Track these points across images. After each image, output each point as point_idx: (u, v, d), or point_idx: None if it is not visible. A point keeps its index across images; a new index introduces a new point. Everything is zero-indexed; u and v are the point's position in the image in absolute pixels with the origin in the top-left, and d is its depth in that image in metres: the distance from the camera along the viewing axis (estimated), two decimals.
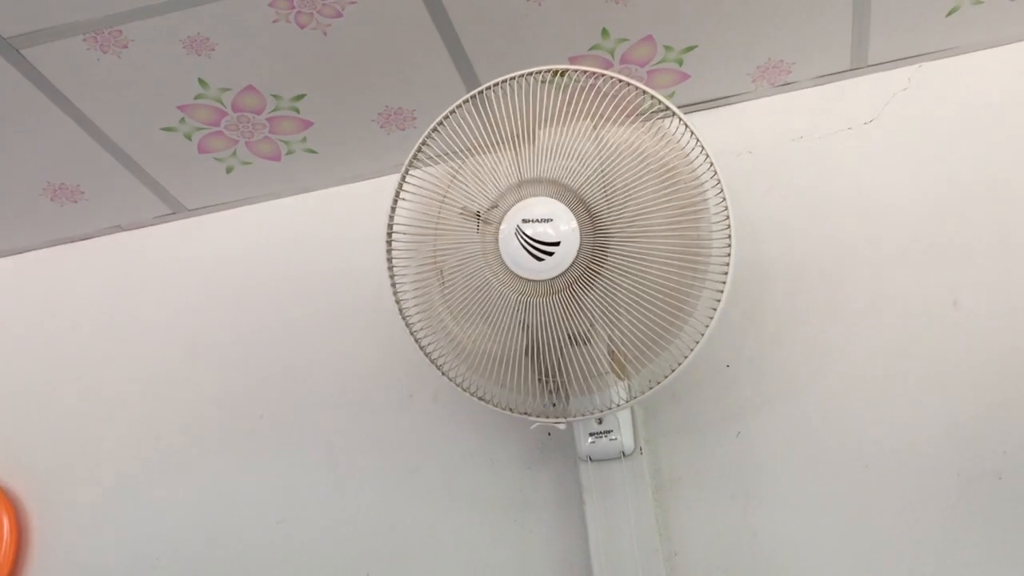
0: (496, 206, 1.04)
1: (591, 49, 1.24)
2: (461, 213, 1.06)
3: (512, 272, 1.02)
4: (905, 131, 1.27)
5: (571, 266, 1.00)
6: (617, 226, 1.01)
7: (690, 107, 1.34)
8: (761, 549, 1.14)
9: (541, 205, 1.01)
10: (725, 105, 1.34)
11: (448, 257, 1.07)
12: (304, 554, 1.27)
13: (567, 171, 1.03)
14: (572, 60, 1.25)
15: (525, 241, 1.01)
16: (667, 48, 1.24)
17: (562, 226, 1.00)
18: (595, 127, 1.06)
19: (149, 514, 1.35)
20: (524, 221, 1.01)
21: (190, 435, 1.37)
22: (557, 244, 1.00)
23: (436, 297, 1.11)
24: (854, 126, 1.29)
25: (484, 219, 1.05)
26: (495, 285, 1.03)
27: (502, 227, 1.02)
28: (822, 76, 1.31)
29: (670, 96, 1.32)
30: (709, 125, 1.31)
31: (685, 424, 1.21)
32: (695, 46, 1.24)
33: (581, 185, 1.02)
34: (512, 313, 1.03)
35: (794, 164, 1.29)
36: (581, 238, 1.00)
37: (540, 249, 1.01)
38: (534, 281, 1.01)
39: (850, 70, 1.30)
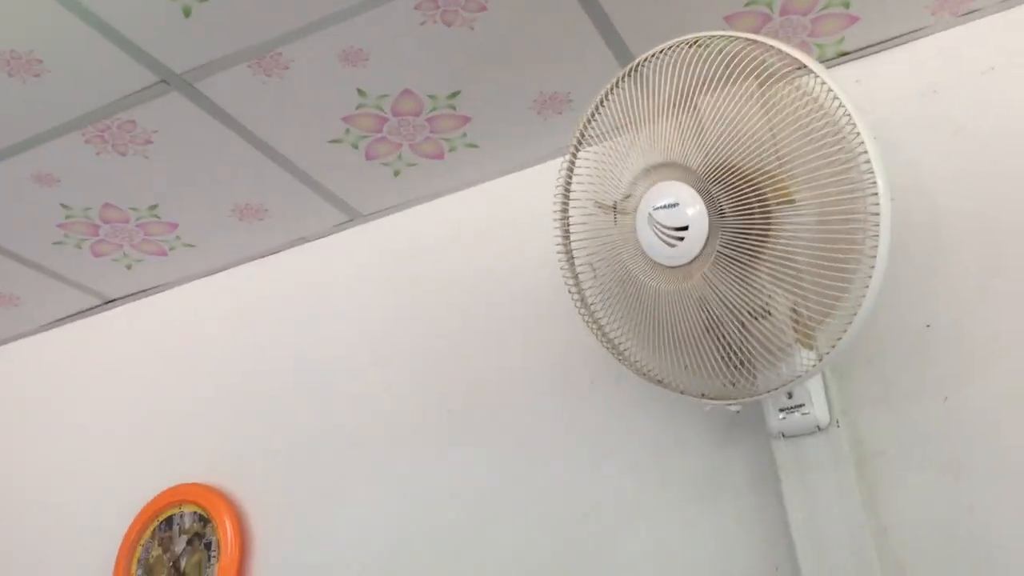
0: (629, 196, 1.01)
1: (747, 5, 1.17)
2: (597, 206, 1.04)
3: (652, 260, 1.00)
4: None
5: (704, 248, 0.97)
6: (767, 194, 0.96)
7: (861, 52, 1.25)
8: (978, 523, 1.05)
9: (666, 191, 0.99)
10: (902, 44, 1.24)
11: (594, 250, 1.06)
12: (500, 545, 1.29)
13: (693, 150, 0.99)
14: (728, 19, 1.19)
15: (657, 228, 0.99)
16: None
17: (688, 209, 0.97)
18: (760, 87, 1.01)
19: (356, 513, 1.40)
20: (655, 209, 0.99)
21: (387, 438, 1.42)
22: (685, 228, 0.97)
23: (601, 286, 1.09)
24: None
25: (620, 210, 1.02)
26: (638, 275, 1.02)
27: (636, 216, 1.00)
28: None
29: (838, 42, 1.23)
30: (884, 68, 1.23)
31: (885, 393, 1.13)
32: None
33: (703, 161, 0.98)
34: (672, 298, 1.01)
35: (984, 101, 1.18)
36: (710, 219, 0.97)
37: (670, 235, 0.98)
38: (672, 267, 0.99)
39: None
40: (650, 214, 0.99)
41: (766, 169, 0.98)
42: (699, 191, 0.98)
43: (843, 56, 1.25)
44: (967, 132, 1.17)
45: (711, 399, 1.06)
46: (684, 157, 1.00)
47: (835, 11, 1.19)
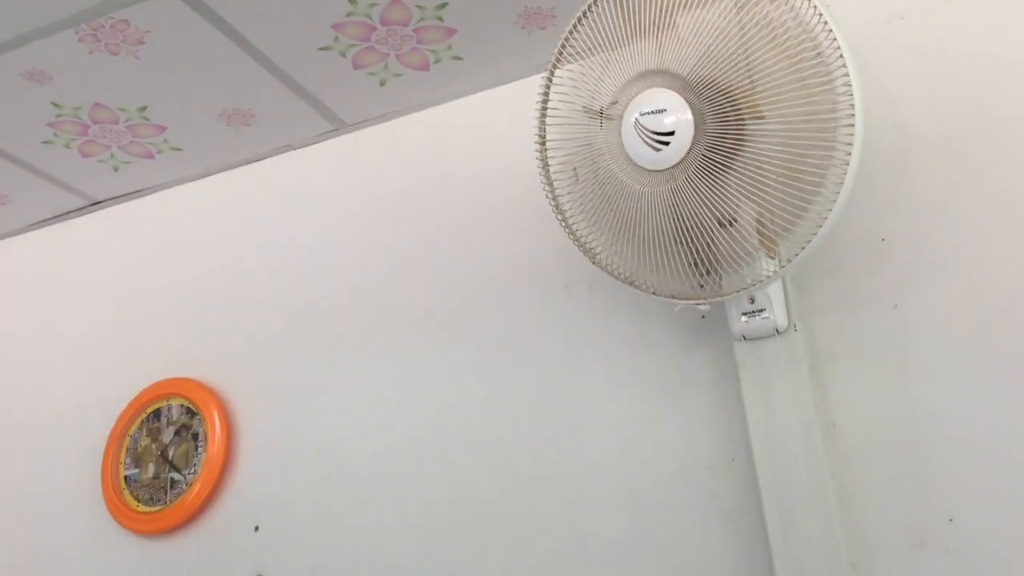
0: (616, 102, 1.06)
1: None
2: (584, 111, 1.09)
3: (635, 164, 1.05)
4: None
5: (689, 153, 1.03)
6: (743, 108, 1.01)
7: None
8: (921, 421, 1.14)
9: (654, 97, 1.04)
10: None
11: (579, 154, 1.11)
12: (477, 438, 1.37)
13: (681, 60, 1.04)
14: None
15: (642, 132, 1.04)
16: None
17: (676, 116, 1.03)
18: (737, 7, 1.06)
19: (337, 407, 1.48)
20: (641, 114, 1.04)
21: (366, 333, 1.49)
22: (671, 134, 1.03)
23: (578, 192, 1.15)
24: None
25: (606, 115, 1.07)
26: (622, 178, 1.07)
27: (623, 121, 1.05)
28: None
29: None
30: None
31: (840, 300, 1.21)
32: None
33: (691, 72, 1.03)
34: (649, 202, 1.06)
35: (949, 27, 1.23)
36: (696, 126, 1.02)
37: (656, 140, 1.03)
38: (656, 171, 1.04)
39: None
40: (636, 119, 1.04)
41: (741, 84, 1.03)
42: (686, 99, 1.03)
43: None
44: (931, 56, 1.24)
45: (681, 299, 1.13)
46: (672, 65, 1.04)
47: None
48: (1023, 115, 1.18)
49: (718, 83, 1.03)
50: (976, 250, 1.16)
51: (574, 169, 1.13)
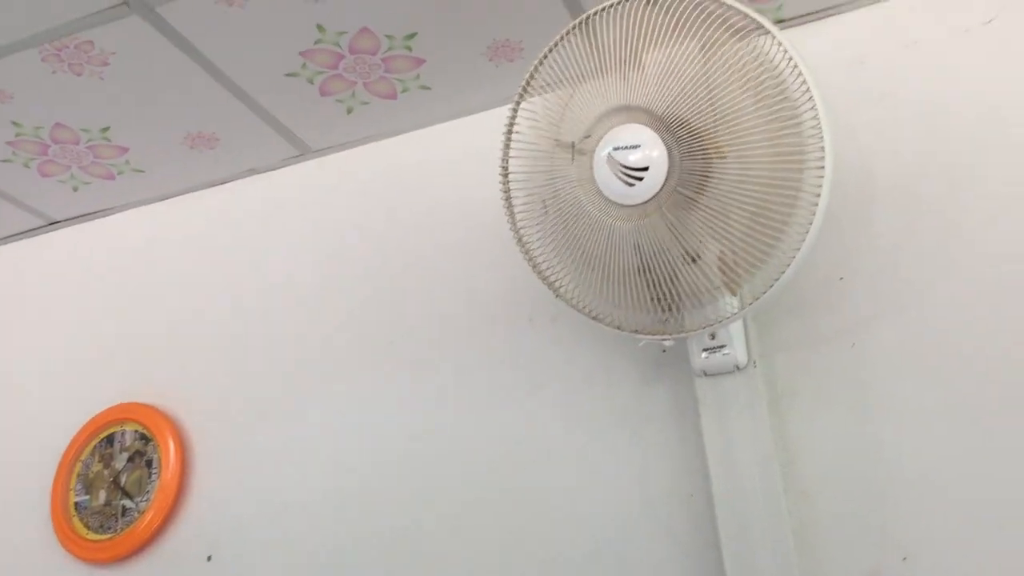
0: (588, 136, 1.07)
1: None
2: (556, 145, 1.10)
3: (607, 198, 1.05)
4: None
5: (661, 190, 1.03)
6: (708, 147, 1.03)
7: (798, 19, 1.32)
8: (878, 458, 1.15)
9: (629, 132, 1.04)
10: (835, 14, 1.32)
11: (548, 187, 1.11)
12: (438, 467, 1.36)
13: (655, 97, 1.05)
14: None
15: (616, 168, 1.04)
16: None
17: (650, 152, 1.03)
18: (702, 48, 1.08)
19: (296, 437, 1.46)
20: (615, 149, 1.05)
21: (329, 362, 1.48)
22: (646, 169, 1.03)
23: (547, 224, 1.15)
24: (972, 28, 1.25)
25: (578, 149, 1.08)
26: (592, 212, 1.07)
27: (595, 156, 1.05)
28: None
29: (777, 9, 1.31)
30: (818, 36, 1.31)
31: (799, 337, 1.22)
32: None
33: (665, 111, 1.04)
34: (618, 236, 1.07)
35: (907, 72, 1.26)
36: (669, 162, 1.03)
37: (630, 175, 1.04)
38: (628, 206, 1.05)
39: None
40: (610, 154, 1.05)
41: (706, 124, 1.05)
42: (660, 136, 1.04)
43: (780, 23, 1.33)
44: (891, 101, 1.26)
45: (645, 334, 1.13)
46: (646, 102, 1.05)
47: None
48: (978, 160, 1.20)
49: (689, 122, 1.04)
50: (932, 290, 1.19)
51: (543, 201, 1.13)
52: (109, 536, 1.48)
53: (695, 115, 1.03)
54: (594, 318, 1.14)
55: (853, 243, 1.23)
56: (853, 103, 1.27)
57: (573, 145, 1.08)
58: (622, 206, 1.05)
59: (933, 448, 1.13)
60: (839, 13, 1.31)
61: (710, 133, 1.04)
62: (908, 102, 1.26)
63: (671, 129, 1.04)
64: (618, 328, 1.13)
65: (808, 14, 1.32)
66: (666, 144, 1.03)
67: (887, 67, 1.28)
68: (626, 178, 1.04)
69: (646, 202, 1.04)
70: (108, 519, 1.50)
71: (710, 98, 1.05)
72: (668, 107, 1.04)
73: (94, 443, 1.55)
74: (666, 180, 1.03)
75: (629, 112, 1.06)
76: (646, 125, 1.04)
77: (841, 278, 1.22)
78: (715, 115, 1.05)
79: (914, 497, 1.12)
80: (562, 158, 1.09)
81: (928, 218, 1.21)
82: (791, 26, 1.33)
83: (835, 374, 1.20)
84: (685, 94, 1.04)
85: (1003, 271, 1.16)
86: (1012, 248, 1.16)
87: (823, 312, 1.22)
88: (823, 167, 1.03)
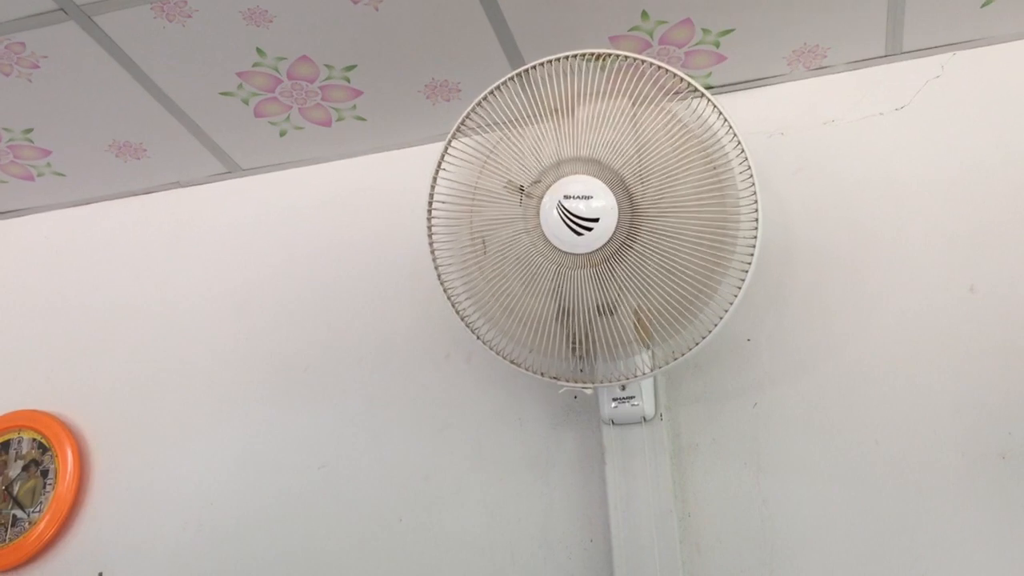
0: (539, 181, 1.09)
1: (631, 30, 1.28)
2: (505, 187, 1.11)
3: (552, 245, 1.07)
4: (936, 119, 1.30)
5: (608, 241, 1.06)
6: (650, 204, 1.07)
7: (725, 87, 1.38)
8: (770, 515, 1.20)
9: (582, 183, 1.07)
10: (760, 87, 1.38)
11: (491, 227, 1.13)
12: (342, 497, 1.36)
13: (607, 150, 1.08)
14: (612, 40, 1.29)
15: (566, 216, 1.06)
16: (705, 31, 1.28)
17: (601, 203, 1.06)
18: (633, 105, 1.12)
19: (199, 455, 1.44)
20: (566, 197, 1.07)
21: (239, 384, 1.47)
22: (596, 220, 1.06)
23: (473, 264, 1.17)
24: (886, 112, 1.32)
25: (527, 193, 1.10)
26: (534, 256, 1.09)
27: (544, 201, 1.07)
28: (857, 61, 1.34)
29: (706, 76, 1.36)
30: (743, 106, 1.36)
31: (705, 393, 1.27)
32: (732, 29, 1.28)
33: (621, 165, 1.08)
34: (545, 282, 1.09)
35: (824, 147, 1.33)
36: (619, 215, 1.06)
37: (580, 224, 1.06)
38: (573, 255, 1.07)
39: (884, 56, 1.33)
40: (560, 201, 1.07)
41: (657, 183, 1.08)
42: (611, 188, 1.06)
43: (709, 89, 1.38)
44: (805, 173, 1.33)
45: (564, 381, 1.15)
46: (602, 155, 1.08)
47: (706, 48, 1.31)
48: (886, 232, 1.27)
49: (641, 178, 1.08)
50: (835, 356, 1.25)
51: (483, 240, 1.14)
52: None
53: (646, 172, 1.07)
54: (513, 363, 1.16)
55: (763, 305, 1.28)
56: (770, 171, 1.33)
57: (522, 188, 1.10)
58: (567, 253, 1.07)
59: (820, 508, 1.19)
60: (764, 86, 1.38)
61: (659, 191, 1.08)
62: (823, 174, 1.32)
63: (624, 184, 1.07)
64: (540, 375, 1.15)
65: (735, 83, 1.38)
66: (616, 198, 1.06)
67: (805, 141, 1.34)
68: (575, 227, 1.07)
69: (592, 252, 1.07)
70: None
71: (662, 156, 1.09)
72: (623, 163, 1.07)
73: None
74: (614, 232, 1.06)
75: (582, 163, 1.08)
76: (597, 177, 1.07)
77: (748, 339, 1.27)
78: (664, 174, 1.08)
79: (804, 553, 1.17)
80: (508, 200, 1.11)
81: (834, 288, 1.27)
82: (719, 93, 1.38)
83: (735, 431, 1.24)
84: (640, 152, 1.08)
85: (899, 343, 1.22)
86: (909, 321, 1.23)
87: (730, 372, 1.27)
88: (754, 240, 1.08)
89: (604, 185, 1.07)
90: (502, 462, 1.31)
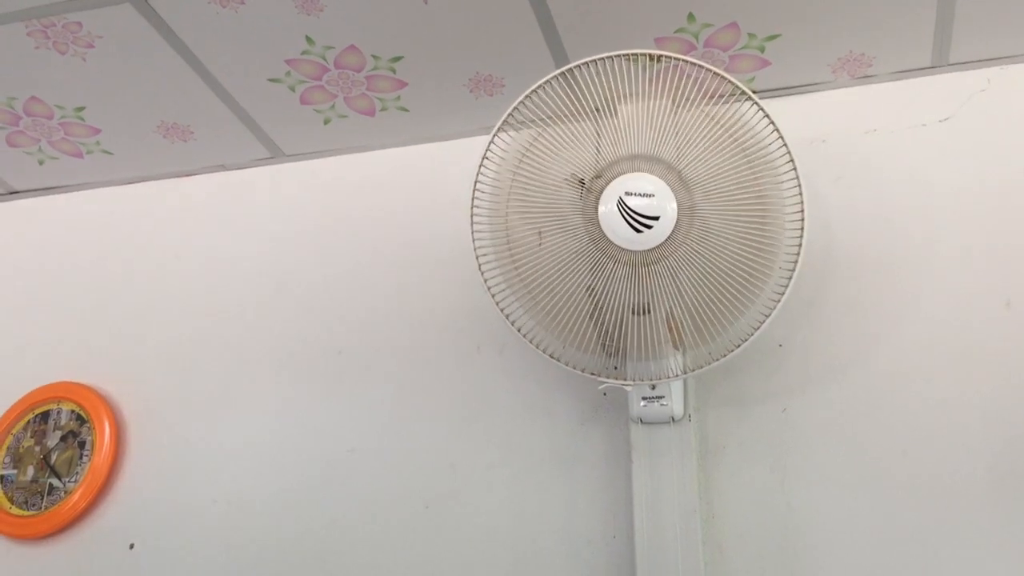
0: (599, 176, 1.10)
1: (676, 32, 1.29)
2: (567, 180, 1.12)
3: (608, 239, 1.08)
4: (979, 132, 1.30)
5: (666, 240, 1.07)
6: (708, 207, 1.07)
7: (768, 92, 1.38)
8: (794, 520, 1.20)
9: (645, 180, 1.08)
10: (803, 93, 1.38)
11: (547, 219, 1.13)
12: (369, 481, 1.38)
13: (671, 151, 1.09)
14: (657, 41, 1.30)
15: (626, 212, 1.07)
16: (751, 35, 1.28)
17: (662, 201, 1.06)
18: (675, 105, 1.12)
19: (233, 431, 1.47)
20: (627, 194, 1.07)
21: (274, 364, 1.49)
22: (656, 218, 1.06)
23: (508, 255, 1.18)
24: (928, 123, 1.32)
25: (588, 187, 1.11)
26: (587, 250, 1.09)
27: (603, 196, 1.08)
28: (902, 72, 1.34)
29: (750, 81, 1.36)
30: (785, 112, 1.36)
31: (734, 397, 1.27)
32: (778, 35, 1.28)
33: (684, 166, 1.08)
34: (591, 277, 1.10)
35: (866, 156, 1.33)
36: (679, 216, 1.07)
37: (640, 221, 1.07)
38: (629, 251, 1.08)
39: (930, 68, 1.33)
40: (621, 198, 1.07)
41: (716, 186, 1.09)
42: (672, 188, 1.07)
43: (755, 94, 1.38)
44: (845, 182, 1.33)
45: (603, 378, 1.17)
46: (667, 155, 1.09)
47: (751, 52, 1.32)
48: (928, 244, 1.27)
49: (701, 181, 1.08)
50: (866, 364, 1.24)
51: (539, 232, 1.15)
52: (32, 513, 1.47)
53: (705, 175, 1.08)
54: (551, 356, 1.16)
55: (798, 311, 1.28)
56: (812, 179, 1.33)
57: (583, 182, 1.11)
58: (623, 249, 1.08)
59: (844, 515, 1.19)
60: (807, 93, 1.38)
61: (718, 195, 1.09)
62: (864, 183, 1.32)
63: (685, 185, 1.08)
64: (580, 370, 1.16)
65: (777, 88, 1.38)
66: (677, 198, 1.07)
67: (847, 149, 1.34)
68: (636, 224, 1.07)
69: (649, 250, 1.08)
70: (33, 496, 1.49)
71: (721, 160, 1.09)
72: (686, 164, 1.08)
73: (28, 418, 1.54)
74: (672, 233, 1.07)
75: (643, 160, 1.09)
76: (659, 176, 1.07)
77: (780, 345, 1.28)
78: (722, 177, 1.09)
79: (826, 558, 1.18)
80: (567, 193, 1.12)
81: (869, 296, 1.27)
82: (762, 98, 1.37)
83: (763, 435, 1.25)
84: (702, 154, 1.09)
85: (931, 353, 1.22)
86: (942, 333, 1.23)
87: (760, 376, 1.27)
88: (798, 248, 1.09)
89: (666, 184, 1.08)
90: (529, 455, 1.33)
